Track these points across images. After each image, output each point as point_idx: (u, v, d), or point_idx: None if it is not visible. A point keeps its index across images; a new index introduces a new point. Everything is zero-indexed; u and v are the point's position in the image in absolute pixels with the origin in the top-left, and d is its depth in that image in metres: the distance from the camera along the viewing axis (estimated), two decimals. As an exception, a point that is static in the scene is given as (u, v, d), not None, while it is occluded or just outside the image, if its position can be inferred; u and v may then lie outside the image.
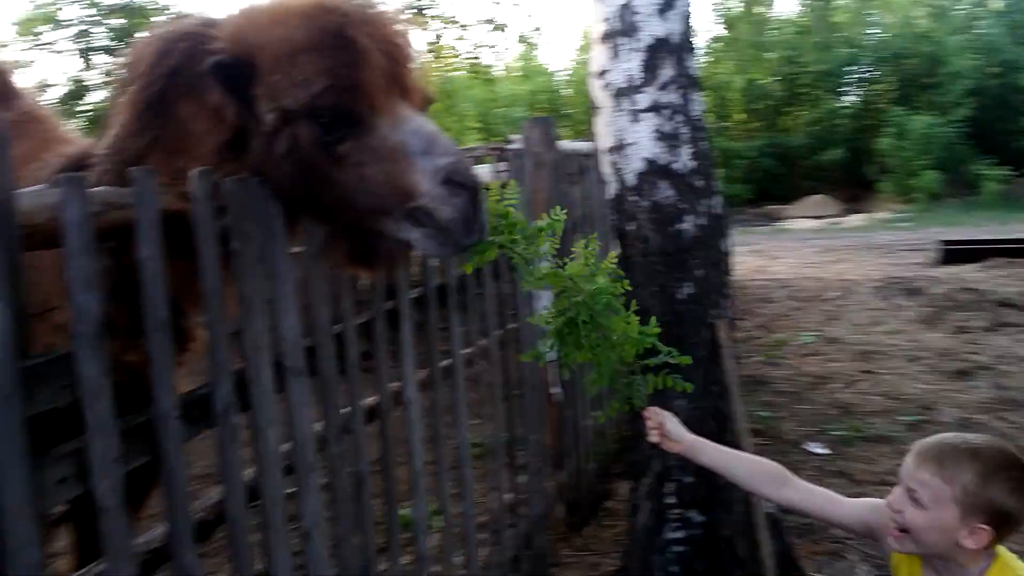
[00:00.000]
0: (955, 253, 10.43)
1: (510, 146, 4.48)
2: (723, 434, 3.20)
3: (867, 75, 24.36)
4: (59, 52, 10.16)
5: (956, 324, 7.53)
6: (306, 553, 2.04)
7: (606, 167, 3.39)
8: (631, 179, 3.26)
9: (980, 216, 17.30)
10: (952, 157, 20.82)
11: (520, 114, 20.37)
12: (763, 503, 3.13)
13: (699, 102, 3.29)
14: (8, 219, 1.35)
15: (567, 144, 5.65)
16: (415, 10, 11.98)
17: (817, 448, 5.00)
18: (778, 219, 20.58)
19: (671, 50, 3.18)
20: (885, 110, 22.74)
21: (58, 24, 10.00)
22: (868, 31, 24.43)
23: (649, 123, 3.20)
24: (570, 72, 26.39)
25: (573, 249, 1.95)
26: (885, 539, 1.81)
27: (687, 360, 1.93)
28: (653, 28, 3.17)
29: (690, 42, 3.27)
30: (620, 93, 3.24)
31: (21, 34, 10.07)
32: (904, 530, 1.72)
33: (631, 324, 1.92)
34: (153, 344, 1.59)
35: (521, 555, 3.53)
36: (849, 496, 2.03)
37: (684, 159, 3.22)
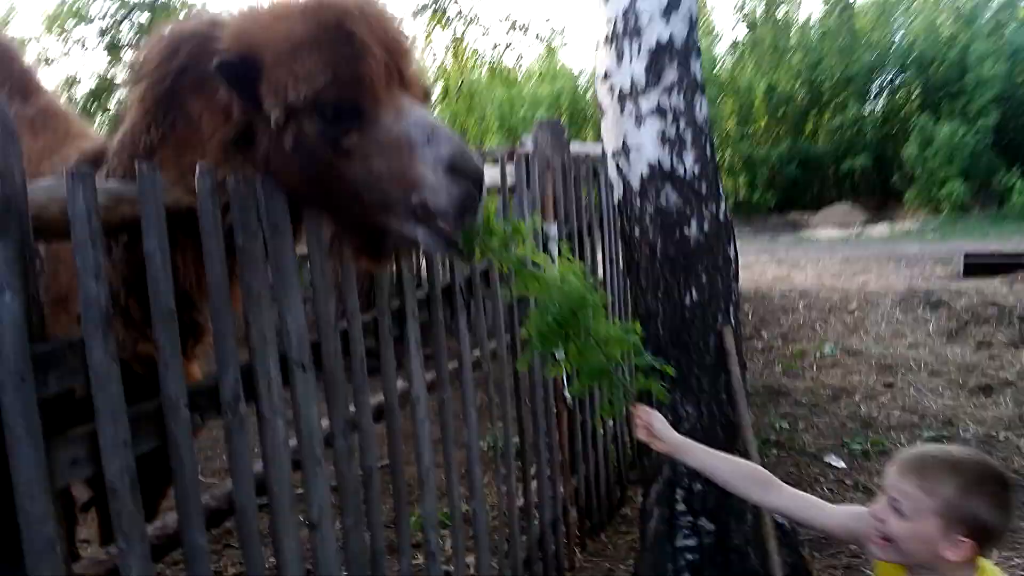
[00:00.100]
0: (977, 267, 10.31)
1: (521, 149, 4.47)
2: (733, 441, 3.17)
3: (892, 81, 24.08)
4: (86, 48, 10.27)
5: (979, 339, 7.42)
6: (313, 543, 2.05)
7: (612, 171, 3.37)
8: (636, 183, 3.24)
9: (1007, 228, 17.06)
10: (978, 167, 20.52)
11: (542, 116, 20.36)
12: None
13: (704, 106, 3.26)
14: (19, 211, 1.38)
15: (581, 147, 5.63)
16: (436, 10, 11.96)
17: (834, 461, 4.93)
18: (802, 227, 20.45)
19: (675, 53, 3.15)
20: (910, 117, 22.49)
21: (86, 20, 10.09)
22: (892, 36, 24.14)
23: (653, 127, 3.17)
24: (592, 74, 26.31)
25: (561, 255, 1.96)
26: (869, 547, 1.80)
27: (669, 370, 1.93)
28: (657, 31, 3.14)
29: (695, 45, 3.23)
30: (624, 96, 3.21)
31: (49, 30, 10.18)
32: (887, 539, 1.72)
33: (614, 325, 1.93)
34: (160, 333, 1.61)
35: (533, 558, 3.52)
36: None
37: (688, 163, 3.19)
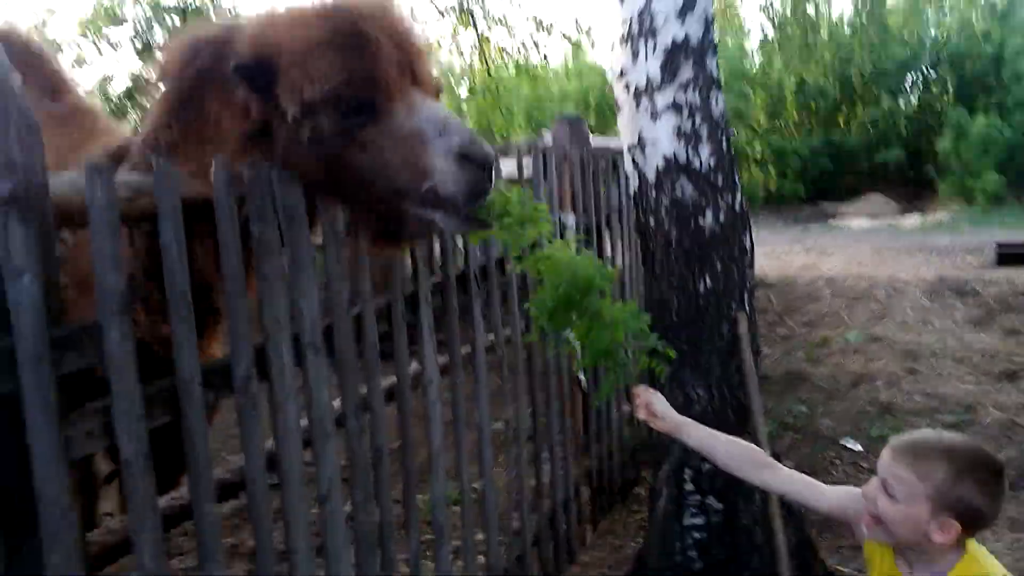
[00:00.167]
0: (1010, 257, 10.18)
1: (540, 143, 4.56)
2: (744, 425, 3.23)
3: (925, 75, 23.78)
4: (117, 49, 10.51)
5: (1007, 327, 7.35)
6: (322, 517, 2.15)
7: (628, 164, 3.44)
8: (651, 176, 3.31)
9: (1042, 221, 16.77)
10: (1013, 160, 20.19)
11: (570, 112, 20.37)
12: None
13: (720, 101, 3.32)
14: (41, 200, 1.48)
15: (606, 141, 5.69)
16: (462, 10, 12.05)
17: (851, 444, 4.95)
18: (834, 217, 20.23)
19: (691, 52, 3.22)
20: (944, 111, 22.18)
21: (119, 21, 10.32)
22: (925, 31, 23.84)
23: (669, 122, 3.24)
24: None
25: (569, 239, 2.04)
26: (859, 526, 1.84)
27: (671, 352, 1.99)
28: (672, 31, 3.21)
29: (711, 44, 3.30)
30: (640, 93, 3.29)
31: (83, 32, 10.42)
32: (877, 519, 1.76)
33: (624, 307, 1.99)
34: (175, 318, 1.71)
35: (543, 535, 3.61)
36: None
37: (704, 156, 3.25)
